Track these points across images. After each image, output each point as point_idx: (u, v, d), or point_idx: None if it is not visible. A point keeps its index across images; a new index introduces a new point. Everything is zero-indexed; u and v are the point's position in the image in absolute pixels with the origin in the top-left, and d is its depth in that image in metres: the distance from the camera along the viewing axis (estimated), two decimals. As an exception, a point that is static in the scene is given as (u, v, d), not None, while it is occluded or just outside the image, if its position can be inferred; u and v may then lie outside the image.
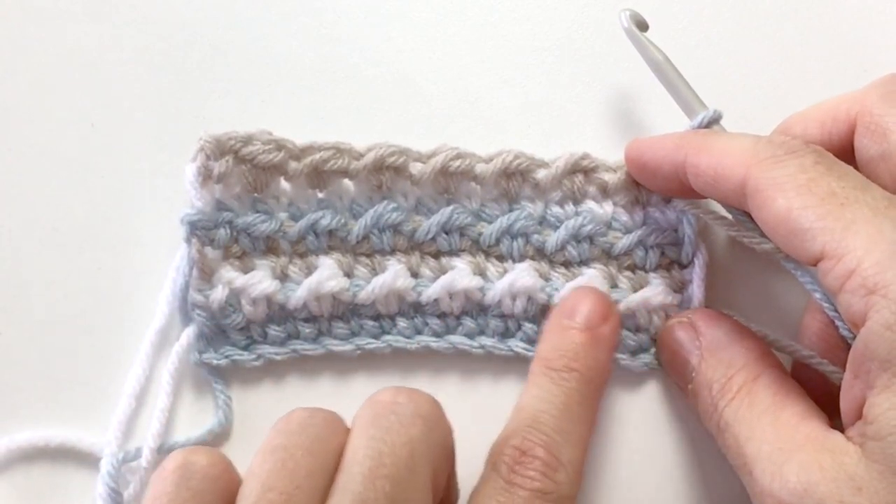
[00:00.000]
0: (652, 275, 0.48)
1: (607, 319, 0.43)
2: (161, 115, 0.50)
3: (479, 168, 0.47)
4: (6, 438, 0.46)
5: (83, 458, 0.46)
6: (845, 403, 0.37)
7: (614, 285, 0.47)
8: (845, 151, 0.42)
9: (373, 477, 0.35)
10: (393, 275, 0.47)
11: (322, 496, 0.35)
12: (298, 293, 0.47)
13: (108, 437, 0.45)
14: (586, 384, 0.41)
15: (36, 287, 0.48)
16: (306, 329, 0.47)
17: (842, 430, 0.37)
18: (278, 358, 0.47)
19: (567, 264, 0.48)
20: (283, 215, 0.47)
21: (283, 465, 0.36)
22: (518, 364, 0.48)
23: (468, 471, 0.47)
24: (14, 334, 0.48)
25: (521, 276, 0.47)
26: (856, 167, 0.39)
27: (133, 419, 0.46)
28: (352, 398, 0.47)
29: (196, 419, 0.47)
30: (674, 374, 0.45)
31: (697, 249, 0.47)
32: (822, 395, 0.41)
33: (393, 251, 0.48)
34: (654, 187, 0.47)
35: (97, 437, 0.46)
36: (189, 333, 0.47)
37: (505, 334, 0.48)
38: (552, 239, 0.47)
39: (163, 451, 0.45)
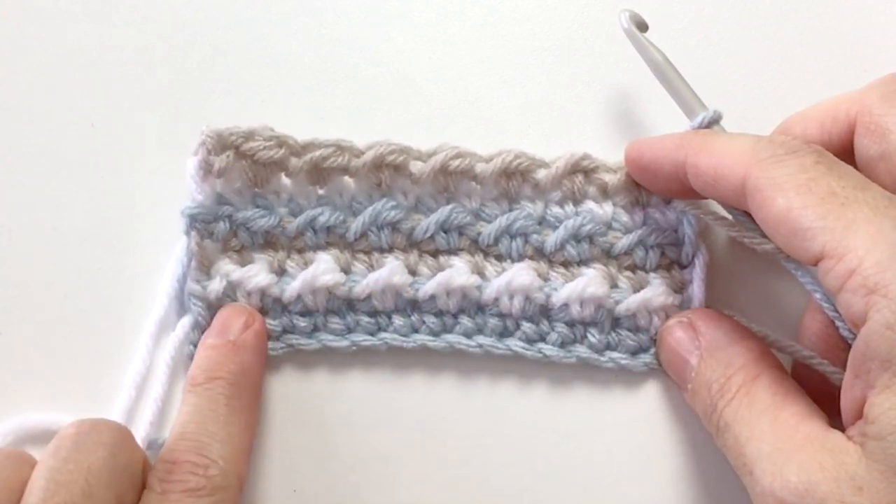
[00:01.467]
0: (652, 275, 0.48)
1: (247, 327, 0.46)
2: (161, 114, 0.50)
3: (479, 167, 0.47)
4: (10, 422, 0.46)
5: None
6: (845, 403, 0.37)
7: (614, 285, 0.47)
8: (845, 151, 0.42)
9: None
10: (389, 270, 0.47)
11: None
12: (293, 285, 0.47)
13: None
14: (232, 387, 0.44)
15: (36, 287, 0.48)
16: (301, 323, 0.47)
17: (842, 430, 0.37)
18: (273, 353, 0.47)
19: (566, 264, 0.48)
20: (282, 210, 0.48)
21: None
22: (517, 363, 0.48)
23: (468, 471, 0.47)
24: (14, 334, 0.48)
25: (519, 274, 0.47)
26: (855, 167, 0.39)
27: (134, 409, 0.46)
28: (347, 395, 0.48)
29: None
30: (674, 374, 0.45)
31: (698, 250, 0.47)
32: (822, 395, 0.41)
33: (391, 249, 0.48)
34: (655, 188, 0.47)
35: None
36: (184, 324, 0.47)
37: (503, 333, 0.48)
38: (551, 238, 0.47)
39: (154, 447, 0.45)
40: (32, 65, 0.50)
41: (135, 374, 0.46)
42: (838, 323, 0.42)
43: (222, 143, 0.46)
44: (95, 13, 0.51)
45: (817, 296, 0.42)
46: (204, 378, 0.44)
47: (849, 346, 0.37)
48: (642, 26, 0.47)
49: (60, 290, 0.48)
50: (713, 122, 0.45)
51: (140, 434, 0.45)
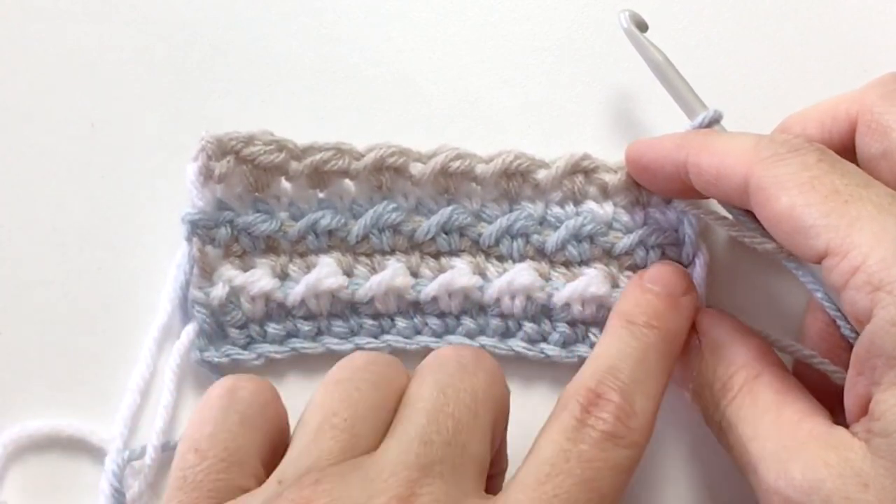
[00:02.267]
0: (653, 274, 0.48)
1: (688, 293, 0.43)
2: (161, 115, 0.50)
3: (480, 168, 0.47)
4: (17, 426, 0.46)
5: (90, 451, 0.46)
6: (849, 400, 0.37)
7: (615, 285, 0.47)
8: (846, 151, 0.42)
9: (437, 413, 0.36)
10: (391, 272, 0.47)
11: (383, 430, 0.36)
12: (297, 289, 0.47)
13: (113, 434, 0.45)
14: (665, 343, 0.41)
15: (36, 287, 0.48)
16: (305, 327, 0.47)
17: (845, 428, 0.37)
18: (278, 356, 0.47)
19: (567, 264, 0.48)
20: (283, 215, 0.48)
21: (349, 395, 0.37)
22: (519, 364, 0.48)
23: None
24: (14, 334, 0.48)
25: (520, 274, 0.47)
26: (857, 166, 0.39)
27: (138, 415, 0.46)
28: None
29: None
30: (675, 373, 0.45)
31: (698, 249, 0.47)
32: (824, 395, 0.41)
33: (393, 251, 0.48)
34: (656, 188, 0.47)
35: (103, 432, 0.46)
36: (189, 331, 0.47)
37: (505, 334, 0.48)
38: (552, 239, 0.47)
39: (167, 448, 0.45)
40: (32, 65, 0.50)
41: (139, 379, 0.46)
42: (840, 322, 0.42)
43: (222, 149, 0.46)
44: (95, 13, 0.51)
45: (818, 295, 0.42)
46: (643, 321, 0.41)
47: (850, 346, 0.37)
48: (642, 26, 0.47)
49: (60, 290, 0.48)
50: (714, 122, 0.45)
51: (153, 442, 0.45)
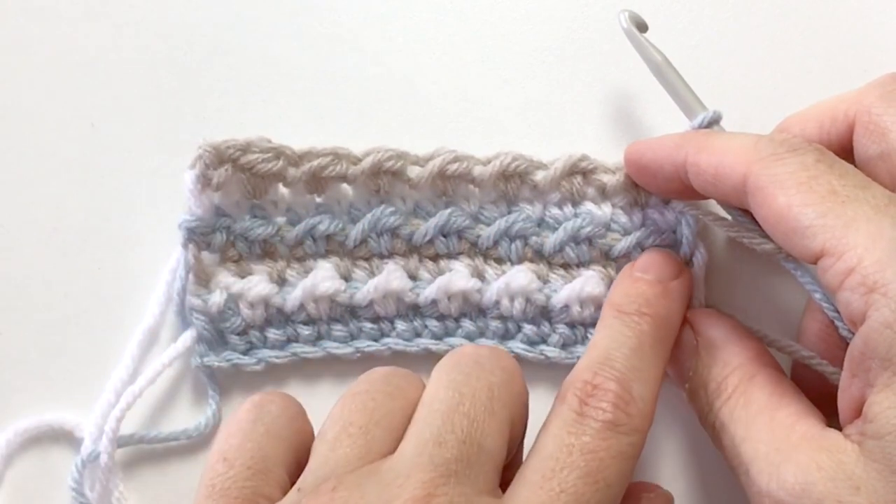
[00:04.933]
0: (651, 275, 0.48)
1: (679, 276, 0.44)
2: (161, 115, 0.50)
3: (477, 170, 0.47)
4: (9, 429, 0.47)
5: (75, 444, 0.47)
6: (843, 402, 0.37)
7: (613, 286, 0.47)
8: (844, 151, 0.42)
9: (451, 413, 0.36)
10: (389, 275, 0.47)
11: (400, 434, 0.37)
12: (294, 294, 0.47)
13: (83, 435, 0.46)
14: (658, 329, 0.42)
15: (36, 287, 0.48)
16: (305, 331, 0.47)
17: (840, 430, 0.37)
18: (278, 361, 0.47)
19: (566, 266, 0.48)
20: (280, 220, 0.48)
21: (364, 405, 0.38)
22: (519, 365, 0.48)
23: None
24: (14, 334, 0.48)
25: (517, 276, 0.47)
26: (855, 167, 0.39)
27: (130, 416, 0.46)
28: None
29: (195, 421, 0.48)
30: (672, 373, 0.45)
31: (697, 249, 0.47)
32: (822, 395, 0.41)
33: (391, 254, 0.48)
34: (655, 189, 0.47)
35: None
36: (187, 337, 0.47)
37: (505, 336, 0.48)
38: (551, 240, 0.47)
39: (148, 441, 0.46)
40: (32, 65, 0.50)
41: (117, 381, 0.46)
42: (838, 323, 0.42)
43: (219, 157, 0.46)
44: (96, 13, 0.51)
45: (817, 296, 0.42)
46: (634, 310, 0.42)
47: (848, 346, 0.37)
48: (642, 26, 0.47)
49: (60, 290, 0.48)
50: (713, 123, 0.45)
51: (104, 447, 0.45)
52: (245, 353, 0.47)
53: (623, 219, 0.48)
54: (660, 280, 0.44)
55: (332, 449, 0.37)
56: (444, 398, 0.36)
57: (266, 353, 0.47)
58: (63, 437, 0.47)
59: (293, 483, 0.37)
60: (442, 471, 0.34)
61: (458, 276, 0.47)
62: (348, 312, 0.48)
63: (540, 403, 0.48)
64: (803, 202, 0.37)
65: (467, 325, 0.48)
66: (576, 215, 0.48)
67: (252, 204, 0.47)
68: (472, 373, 0.37)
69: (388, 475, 0.34)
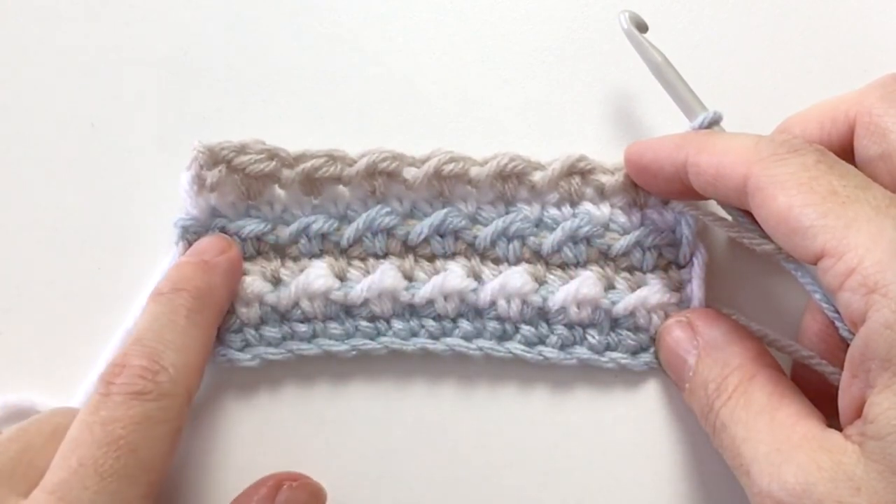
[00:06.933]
0: (650, 275, 0.48)
1: (225, 252, 0.46)
2: (161, 115, 0.50)
3: (474, 171, 0.47)
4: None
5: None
6: (843, 403, 0.37)
7: (611, 286, 0.47)
8: (845, 152, 0.42)
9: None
10: (382, 274, 0.47)
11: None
12: (287, 291, 0.47)
13: None
14: (196, 300, 0.44)
15: (36, 287, 0.48)
16: (301, 329, 0.47)
17: (840, 430, 0.37)
18: (274, 358, 0.47)
19: (564, 267, 0.48)
20: (276, 220, 0.48)
21: None
22: (517, 366, 0.48)
23: (470, 473, 0.47)
24: (14, 334, 0.48)
25: (512, 277, 0.47)
26: (855, 167, 0.39)
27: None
28: (349, 401, 0.48)
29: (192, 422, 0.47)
30: (672, 373, 0.45)
31: (696, 249, 0.47)
32: (822, 396, 0.41)
33: (386, 254, 0.48)
34: (655, 189, 0.47)
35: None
36: None
37: (503, 337, 0.48)
38: (549, 240, 0.47)
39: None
40: (32, 65, 0.50)
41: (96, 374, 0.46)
42: (838, 323, 0.42)
43: (214, 158, 0.46)
44: (96, 13, 0.51)
45: (817, 296, 0.42)
46: (169, 289, 0.44)
47: (848, 347, 0.37)
48: (642, 27, 0.47)
49: (60, 290, 0.48)
50: (713, 123, 0.45)
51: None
52: (241, 350, 0.47)
53: (622, 219, 0.48)
54: (200, 258, 0.45)
55: None
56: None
57: (261, 350, 0.47)
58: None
59: None
60: None
61: (453, 275, 0.47)
62: (344, 311, 0.48)
63: (539, 403, 0.48)
64: (804, 203, 0.37)
65: (464, 325, 0.48)
66: (574, 215, 0.48)
67: (248, 205, 0.48)
68: None
69: None
